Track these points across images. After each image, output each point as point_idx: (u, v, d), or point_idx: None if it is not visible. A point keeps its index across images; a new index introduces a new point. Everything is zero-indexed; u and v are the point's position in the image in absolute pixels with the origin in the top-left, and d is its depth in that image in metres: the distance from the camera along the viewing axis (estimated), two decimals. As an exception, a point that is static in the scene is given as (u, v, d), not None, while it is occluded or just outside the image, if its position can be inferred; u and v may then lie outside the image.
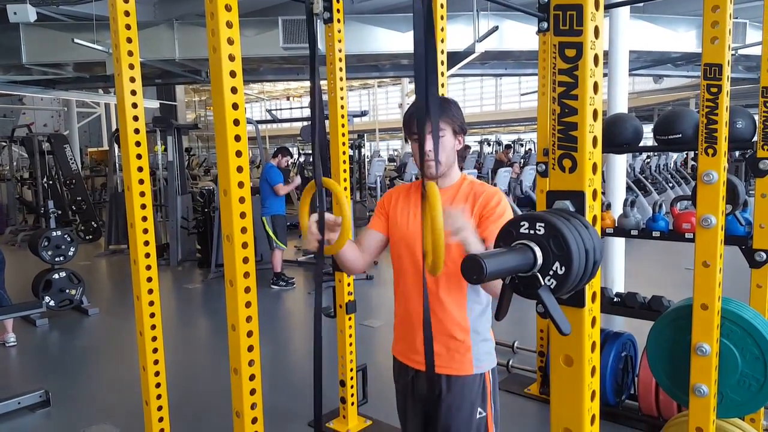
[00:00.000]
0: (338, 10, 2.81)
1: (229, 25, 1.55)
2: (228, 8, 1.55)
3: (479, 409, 1.72)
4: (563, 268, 0.83)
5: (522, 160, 12.03)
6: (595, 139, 0.89)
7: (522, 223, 0.87)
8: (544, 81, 3.29)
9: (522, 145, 16.69)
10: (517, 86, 26.90)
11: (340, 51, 2.88)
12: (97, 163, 16.49)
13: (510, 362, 3.88)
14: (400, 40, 9.76)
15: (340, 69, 2.91)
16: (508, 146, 14.93)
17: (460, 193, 1.72)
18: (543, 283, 0.84)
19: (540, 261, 0.84)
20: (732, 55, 1.89)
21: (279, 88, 29.87)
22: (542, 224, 0.84)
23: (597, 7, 0.87)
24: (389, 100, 31.97)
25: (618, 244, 5.20)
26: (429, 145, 1.61)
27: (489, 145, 16.72)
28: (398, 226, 1.78)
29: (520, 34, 9.69)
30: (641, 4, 8.23)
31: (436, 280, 1.68)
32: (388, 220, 1.84)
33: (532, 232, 0.85)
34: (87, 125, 20.95)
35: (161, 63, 10.20)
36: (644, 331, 2.37)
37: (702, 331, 1.91)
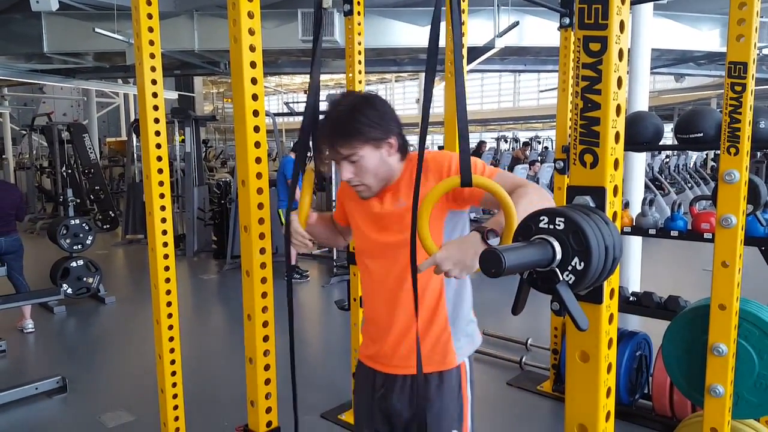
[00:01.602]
0: (359, 2, 2.80)
1: (250, 15, 1.56)
2: (249, -1, 1.56)
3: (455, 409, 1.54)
4: (582, 263, 0.82)
5: (539, 158, 11.95)
6: (617, 134, 0.89)
7: (541, 218, 0.86)
8: (564, 77, 3.26)
9: (539, 143, 16.56)
10: (535, 83, 26.68)
11: (359, 44, 2.87)
12: (115, 153, 16.66)
13: (523, 359, 3.87)
14: (419, 34, 9.72)
15: (360, 62, 2.90)
16: (525, 143, 14.83)
17: (408, 178, 1.50)
18: (561, 279, 0.84)
19: (559, 256, 0.83)
20: (757, 53, 1.86)
21: (297, 81, 29.88)
22: (562, 219, 0.84)
23: (623, 1, 0.86)
24: (406, 95, 31.87)
25: (635, 243, 5.15)
26: (346, 172, 1.46)
27: (506, 141, 16.61)
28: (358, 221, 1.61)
29: (540, 30, 9.59)
30: (664, 2, 8.11)
31: (404, 271, 1.48)
32: (345, 212, 1.70)
33: (551, 226, 0.85)
34: (106, 115, 21.15)
35: (180, 54, 10.26)
36: (659, 332, 2.36)
37: (719, 332, 1.89)
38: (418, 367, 1.33)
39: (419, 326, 1.48)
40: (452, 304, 1.53)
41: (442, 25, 2.77)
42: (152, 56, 2.05)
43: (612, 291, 0.94)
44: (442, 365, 1.53)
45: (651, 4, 5.15)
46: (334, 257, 6.82)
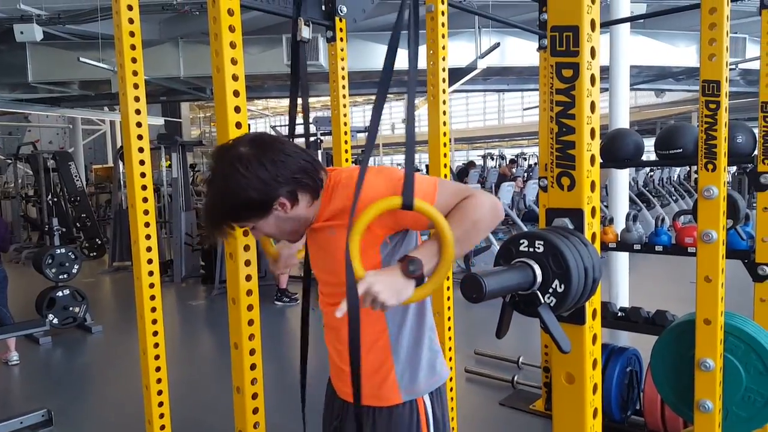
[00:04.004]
0: (341, 29, 2.84)
1: (232, 45, 1.58)
2: (232, 29, 1.58)
3: None
4: (563, 285, 0.83)
5: (525, 174, 12.05)
6: (593, 157, 0.90)
7: (521, 241, 0.88)
8: (544, 97, 3.31)
9: (525, 159, 16.71)
10: (519, 101, 26.99)
11: (342, 69, 2.90)
12: (102, 179, 16.57)
13: (515, 378, 3.86)
14: (403, 57, 9.84)
15: (343, 87, 2.93)
16: (512, 160, 14.96)
17: (330, 213, 1.35)
18: (543, 301, 0.85)
19: (539, 279, 0.85)
20: (732, 69, 1.91)
21: (283, 104, 30.07)
22: (541, 242, 0.85)
23: (593, 28, 0.88)
24: (393, 116, 32.12)
25: (622, 258, 5.18)
26: (253, 233, 1.41)
27: (492, 159, 16.73)
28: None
29: (521, 50, 9.75)
30: (641, 20, 8.29)
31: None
32: None
33: (531, 250, 0.86)
34: (92, 142, 21.07)
35: (166, 81, 10.31)
36: (649, 346, 2.36)
37: (705, 347, 1.91)
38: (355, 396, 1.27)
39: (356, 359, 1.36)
40: (395, 336, 1.40)
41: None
42: (136, 86, 2.06)
43: (594, 311, 0.95)
44: (383, 400, 1.42)
45: (628, 22, 5.25)
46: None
